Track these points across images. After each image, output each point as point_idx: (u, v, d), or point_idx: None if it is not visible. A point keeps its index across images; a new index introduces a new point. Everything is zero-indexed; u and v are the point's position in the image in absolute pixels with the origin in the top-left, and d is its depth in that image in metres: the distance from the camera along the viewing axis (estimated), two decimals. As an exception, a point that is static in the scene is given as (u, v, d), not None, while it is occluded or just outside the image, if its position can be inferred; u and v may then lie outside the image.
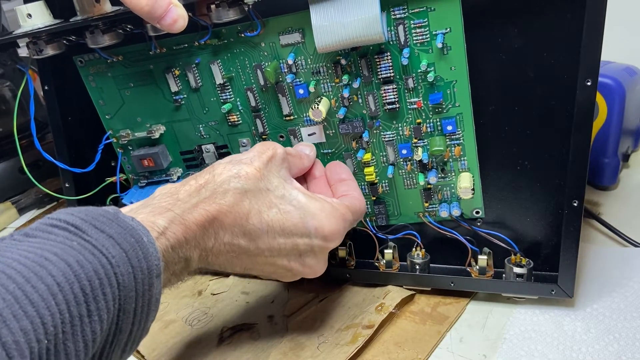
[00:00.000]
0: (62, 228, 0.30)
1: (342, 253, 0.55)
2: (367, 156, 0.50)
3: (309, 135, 0.51)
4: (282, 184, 0.43)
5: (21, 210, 0.82)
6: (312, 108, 0.47)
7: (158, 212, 0.36)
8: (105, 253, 0.30)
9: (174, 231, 0.35)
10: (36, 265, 0.27)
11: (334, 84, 0.48)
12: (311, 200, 0.43)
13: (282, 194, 0.42)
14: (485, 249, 0.51)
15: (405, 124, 0.49)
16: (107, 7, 0.46)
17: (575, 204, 0.45)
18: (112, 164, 0.60)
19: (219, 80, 0.50)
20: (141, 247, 0.31)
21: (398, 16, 0.44)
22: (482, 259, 0.50)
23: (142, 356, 0.50)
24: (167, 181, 0.57)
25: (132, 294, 0.31)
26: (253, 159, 0.42)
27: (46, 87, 0.57)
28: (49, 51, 0.48)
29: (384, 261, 0.54)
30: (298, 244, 0.43)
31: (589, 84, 0.41)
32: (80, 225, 0.30)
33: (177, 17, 0.41)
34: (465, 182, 0.49)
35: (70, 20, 0.46)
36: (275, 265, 0.43)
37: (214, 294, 0.58)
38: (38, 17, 0.47)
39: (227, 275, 0.60)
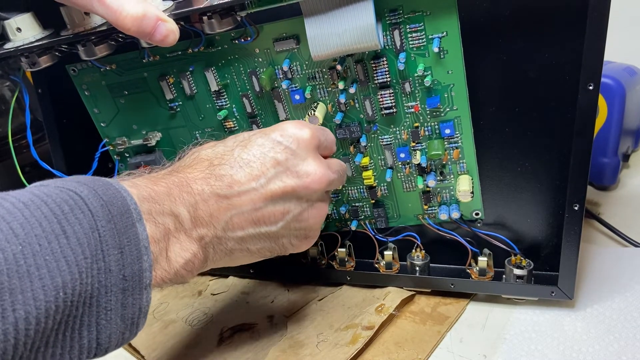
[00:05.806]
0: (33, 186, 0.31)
1: (341, 254, 0.55)
2: (365, 160, 0.50)
3: (306, 140, 0.51)
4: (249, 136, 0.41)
5: (22, 210, 0.82)
6: (308, 114, 0.47)
7: (121, 178, 0.36)
8: (73, 189, 0.30)
9: (145, 184, 0.35)
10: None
11: (330, 89, 0.48)
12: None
13: (248, 137, 0.41)
14: (486, 250, 0.51)
15: (403, 127, 0.48)
16: (97, 19, 0.45)
17: (575, 208, 0.44)
18: (110, 166, 0.60)
19: (214, 87, 0.50)
20: (112, 190, 0.32)
21: (393, 21, 0.44)
22: (482, 261, 0.51)
23: (142, 356, 0.50)
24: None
25: (110, 225, 0.30)
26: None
27: (40, 91, 0.56)
28: (42, 64, 0.47)
29: (384, 262, 0.54)
30: (276, 157, 0.40)
31: (591, 88, 0.41)
32: (48, 181, 0.31)
33: (166, 33, 0.40)
34: (464, 185, 0.48)
35: (61, 34, 0.46)
36: (271, 218, 0.40)
37: (214, 294, 0.58)
38: (28, 30, 0.46)
39: (226, 276, 0.61)
